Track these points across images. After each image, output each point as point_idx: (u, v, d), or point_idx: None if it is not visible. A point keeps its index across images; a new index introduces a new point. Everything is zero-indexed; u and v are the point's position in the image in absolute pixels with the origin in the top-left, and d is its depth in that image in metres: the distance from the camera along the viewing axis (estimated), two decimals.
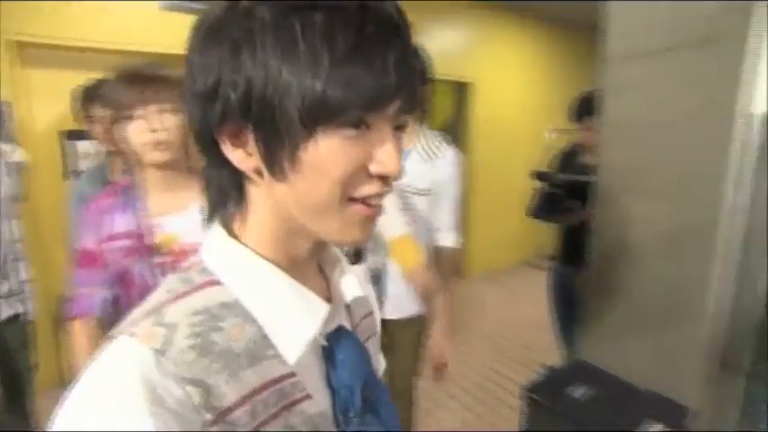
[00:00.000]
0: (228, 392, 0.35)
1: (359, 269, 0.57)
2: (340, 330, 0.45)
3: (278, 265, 0.40)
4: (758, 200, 0.72)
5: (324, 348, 0.43)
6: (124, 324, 0.37)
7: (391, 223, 1.19)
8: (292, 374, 0.39)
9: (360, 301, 0.52)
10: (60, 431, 0.31)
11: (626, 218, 1.42)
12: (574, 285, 1.90)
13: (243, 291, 0.39)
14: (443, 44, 3.81)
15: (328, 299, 0.44)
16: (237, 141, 0.37)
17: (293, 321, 0.40)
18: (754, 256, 0.74)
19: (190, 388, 0.33)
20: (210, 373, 0.35)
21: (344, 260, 0.50)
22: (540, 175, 2.00)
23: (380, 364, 0.59)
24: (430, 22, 3.68)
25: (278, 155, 0.35)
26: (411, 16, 0.37)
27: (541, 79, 4.64)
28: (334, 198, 0.36)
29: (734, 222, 0.74)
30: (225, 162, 0.38)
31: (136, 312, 0.38)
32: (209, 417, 0.33)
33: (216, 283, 0.39)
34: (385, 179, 0.37)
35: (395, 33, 0.35)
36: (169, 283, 0.40)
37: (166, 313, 0.36)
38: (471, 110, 4.14)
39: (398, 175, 0.37)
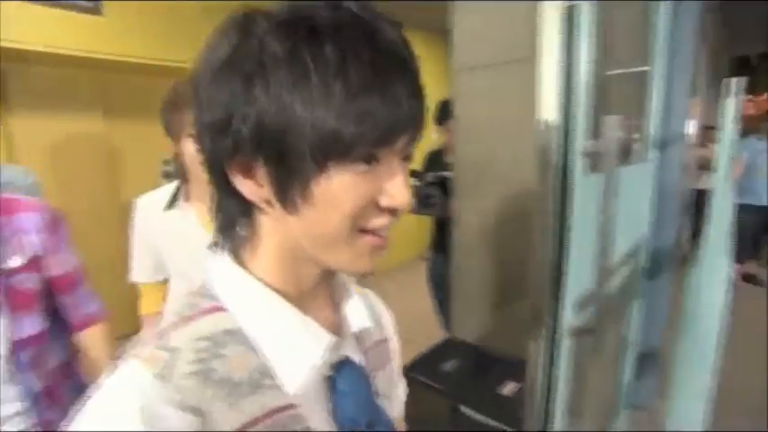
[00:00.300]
0: (226, 421, 0.35)
1: (372, 294, 0.58)
2: (345, 362, 0.44)
3: (285, 293, 0.40)
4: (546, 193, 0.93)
5: (328, 379, 0.42)
6: (137, 345, 0.37)
7: None
8: (292, 406, 0.39)
9: (369, 330, 0.50)
10: None
11: (477, 208, 1.63)
12: (446, 271, 2.12)
13: (246, 319, 0.39)
14: None
15: (337, 328, 0.45)
16: (248, 173, 0.37)
17: (295, 352, 0.39)
18: (547, 235, 0.95)
19: (188, 416, 0.33)
20: (210, 400, 0.35)
21: (353, 288, 0.49)
22: (412, 174, 2.19)
23: (399, 394, 0.57)
24: None
25: (289, 189, 0.35)
26: None
27: (432, 83, 4.95)
28: (345, 230, 0.36)
29: (536, 209, 0.94)
30: (234, 192, 0.38)
31: (148, 334, 0.38)
32: None
33: (221, 309, 0.39)
34: (393, 211, 0.37)
35: (404, 65, 0.35)
36: (178, 306, 0.40)
37: (171, 337, 0.36)
38: None
39: (407, 208, 0.37)
